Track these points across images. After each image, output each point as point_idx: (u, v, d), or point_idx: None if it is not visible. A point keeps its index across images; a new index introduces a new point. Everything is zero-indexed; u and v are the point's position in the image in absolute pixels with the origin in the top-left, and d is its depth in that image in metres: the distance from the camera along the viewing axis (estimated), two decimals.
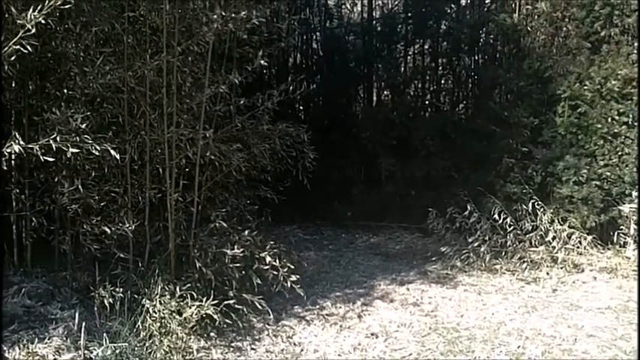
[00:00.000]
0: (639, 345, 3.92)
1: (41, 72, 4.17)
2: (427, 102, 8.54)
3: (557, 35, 6.56)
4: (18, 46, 3.09)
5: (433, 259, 5.86)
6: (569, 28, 6.35)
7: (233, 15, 4.04)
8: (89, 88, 3.89)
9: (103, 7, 3.96)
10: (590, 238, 5.72)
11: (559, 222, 5.71)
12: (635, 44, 5.88)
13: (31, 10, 3.04)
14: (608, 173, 5.84)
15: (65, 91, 4.02)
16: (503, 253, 5.76)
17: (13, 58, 3.16)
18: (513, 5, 7.01)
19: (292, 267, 4.36)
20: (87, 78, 3.85)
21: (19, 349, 3.40)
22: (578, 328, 4.34)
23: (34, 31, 3.09)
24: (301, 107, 8.51)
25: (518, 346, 4.04)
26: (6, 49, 3.05)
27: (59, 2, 3.04)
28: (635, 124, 5.76)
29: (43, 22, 3.13)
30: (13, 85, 4.05)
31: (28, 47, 3.10)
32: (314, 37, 8.91)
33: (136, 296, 3.98)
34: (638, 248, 5.65)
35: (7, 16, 3.43)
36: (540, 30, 6.59)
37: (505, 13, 6.85)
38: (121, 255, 4.17)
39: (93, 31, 3.89)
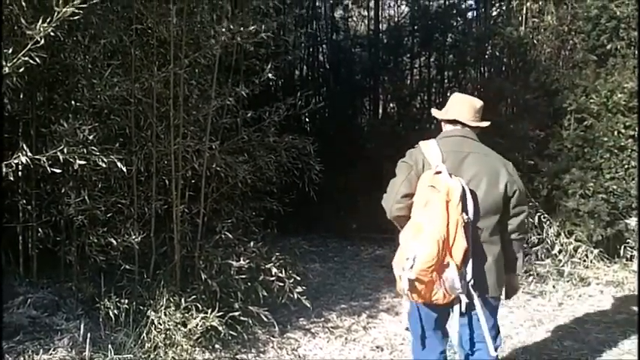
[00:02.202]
0: (639, 347, 3.92)
1: (49, 83, 4.19)
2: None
3: (563, 48, 6.58)
4: (27, 58, 3.11)
5: None
6: (576, 42, 6.37)
7: (241, 28, 4.07)
8: (97, 99, 3.91)
9: (111, 19, 3.99)
10: (596, 251, 5.71)
11: (565, 235, 5.70)
12: None
13: (40, 21, 3.06)
14: (615, 186, 5.82)
15: (73, 102, 4.04)
16: None
17: (21, 70, 3.17)
18: (520, 18, 7.03)
19: (298, 279, 4.37)
20: (95, 90, 3.87)
21: (24, 359, 3.40)
22: (585, 342, 4.31)
23: (42, 42, 3.11)
24: (307, 119, 8.53)
25: None
26: (15, 60, 3.07)
27: (68, 14, 3.06)
28: None
29: (52, 34, 3.15)
30: (21, 96, 4.07)
31: (37, 59, 3.12)
32: (320, 49, 8.96)
33: (141, 307, 3.97)
34: (638, 260, 5.63)
35: (15, 28, 3.46)
36: (546, 43, 6.61)
37: (511, 26, 6.87)
38: (127, 266, 4.17)
39: (101, 44, 3.92)
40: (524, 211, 2.93)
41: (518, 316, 4.82)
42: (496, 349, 2.91)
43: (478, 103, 3.07)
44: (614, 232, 5.84)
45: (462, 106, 3.02)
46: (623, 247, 5.77)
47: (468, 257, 2.70)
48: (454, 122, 3.00)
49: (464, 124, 2.97)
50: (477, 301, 2.75)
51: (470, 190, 2.74)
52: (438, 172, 2.72)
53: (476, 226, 2.77)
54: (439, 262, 2.60)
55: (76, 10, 3.06)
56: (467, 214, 2.69)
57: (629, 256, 5.76)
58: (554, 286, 5.44)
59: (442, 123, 3.09)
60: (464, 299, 2.69)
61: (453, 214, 2.64)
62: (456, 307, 2.75)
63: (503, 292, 3.04)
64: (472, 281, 2.71)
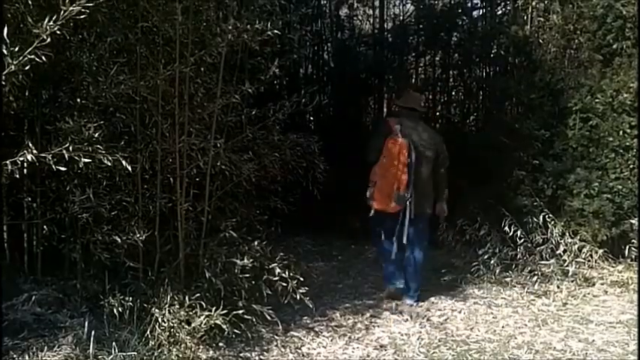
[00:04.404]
0: (639, 347, 3.94)
1: (54, 81, 4.19)
2: (438, 113, 8.55)
3: (568, 48, 6.56)
4: (32, 56, 3.11)
5: (443, 271, 5.84)
6: (581, 41, 6.33)
7: (248, 27, 4.06)
8: (102, 97, 3.90)
9: (117, 17, 3.99)
10: (601, 251, 5.68)
11: (570, 235, 5.68)
12: None
13: (46, 20, 3.06)
14: (620, 186, 5.80)
15: (78, 100, 4.05)
16: (514, 266, 5.73)
17: (27, 68, 3.18)
18: (525, 17, 7.02)
19: (301, 278, 4.36)
20: (100, 88, 3.86)
21: (29, 357, 3.41)
22: (589, 343, 4.31)
23: (48, 40, 3.11)
24: (312, 117, 8.52)
25: None
26: (21, 58, 3.07)
27: (74, 13, 3.06)
28: None
29: (57, 32, 3.15)
30: (27, 94, 4.08)
31: (43, 57, 3.12)
32: (325, 47, 8.95)
33: (145, 305, 3.97)
34: (639, 261, 5.60)
35: (21, 26, 3.47)
36: (552, 42, 6.59)
37: (517, 25, 6.85)
38: (131, 264, 4.18)
39: (107, 42, 3.92)
40: (446, 163, 5.03)
41: (523, 316, 4.82)
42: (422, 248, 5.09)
43: (422, 96, 5.59)
44: (619, 232, 5.81)
45: (414, 99, 5.16)
46: (627, 247, 5.74)
47: (409, 185, 4.75)
48: (409, 108, 5.03)
49: (415, 110, 5.05)
50: (407, 213, 4.80)
51: (415, 147, 4.79)
52: (397, 135, 4.77)
53: (419, 169, 4.82)
54: (391, 185, 4.74)
55: (83, 9, 3.06)
56: (410, 159, 4.73)
57: (633, 257, 5.74)
58: (558, 286, 5.43)
59: (400, 108, 5.17)
60: (407, 210, 4.79)
61: (402, 159, 4.70)
62: (402, 215, 4.80)
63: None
64: (411, 199, 4.78)
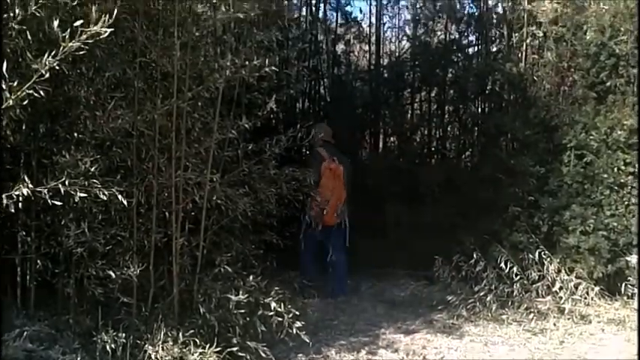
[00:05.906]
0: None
1: (52, 115, 4.19)
2: (433, 149, 8.59)
3: (563, 85, 6.61)
4: (31, 91, 3.12)
5: (439, 307, 5.80)
6: (575, 78, 6.40)
7: (245, 62, 4.09)
8: (99, 131, 3.91)
9: (115, 52, 4.01)
10: (597, 288, 5.66)
11: (566, 272, 5.67)
12: None
13: (46, 55, 3.08)
14: (615, 223, 5.81)
15: (75, 134, 4.05)
16: (510, 303, 5.70)
17: (25, 103, 3.18)
18: (519, 55, 7.10)
19: (297, 313, 4.32)
20: (97, 122, 3.87)
21: None
22: None
23: (47, 76, 3.13)
24: (308, 152, 8.54)
25: None
26: (19, 93, 3.08)
27: (74, 49, 3.08)
28: None
29: (56, 67, 3.17)
30: (24, 128, 4.08)
31: (41, 92, 3.13)
32: (322, 83, 9.02)
33: (138, 342, 3.91)
34: (638, 296, 5.58)
35: (20, 60, 3.49)
36: (546, 79, 6.65)
37: (511, 62, 6.93)
38: (125, 299, 4.13)
39: (105, 76, 3.94)
40: (350, 181, 6.29)
41: (519, 354, 4.77)
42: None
43: (330, 130, 6.54)
44: (615, 269, 5.81)
45: (328, 132, 6.41)
46: (624, 284, 5.72)
47: (344, 201, 6.10)
48: (326, 141, 6.29)
49: (330, 142, 6.33)
50: (346, 222, 6.21)
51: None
52: (333, 162, 6.08)
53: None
54: (337, 202, 6.03)
55: (82, 45, 3.08)
56: (344, 180, 6.09)
57: (630, 294, 5.72)
58: (554, 324, 5.39)
59: (319, 139, 6.15)
60: (343, 221, 6.17)
61: (340, 180, 6.06)
62: (337, 226, 6.16)
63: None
64: (344, 213, 6.14)
